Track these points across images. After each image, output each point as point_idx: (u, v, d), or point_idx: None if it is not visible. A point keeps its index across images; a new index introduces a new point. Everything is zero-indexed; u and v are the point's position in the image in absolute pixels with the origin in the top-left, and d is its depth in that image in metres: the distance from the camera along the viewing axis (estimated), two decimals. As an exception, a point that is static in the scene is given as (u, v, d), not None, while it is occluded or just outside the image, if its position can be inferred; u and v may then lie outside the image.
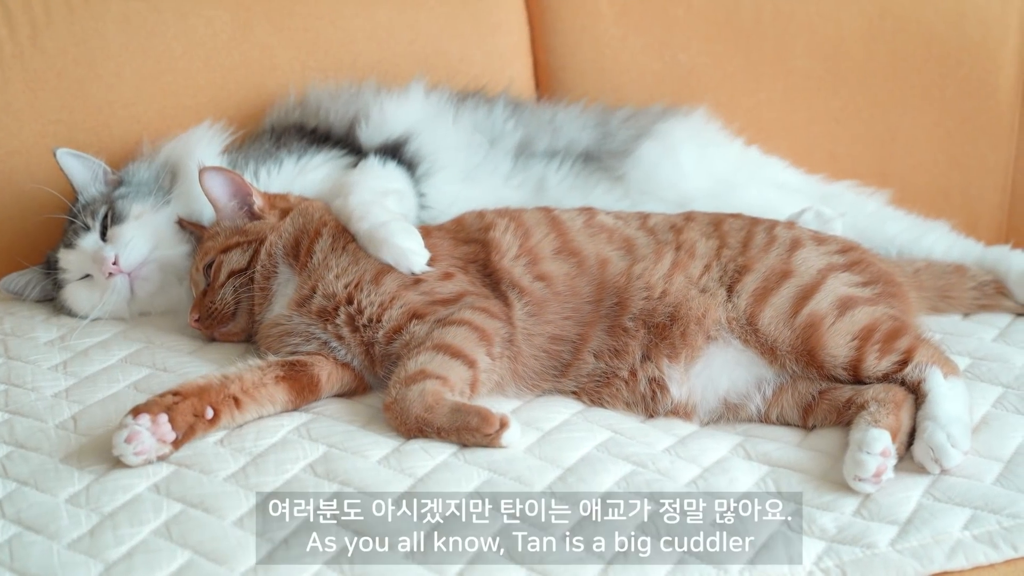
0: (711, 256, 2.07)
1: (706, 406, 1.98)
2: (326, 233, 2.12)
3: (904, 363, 1.94)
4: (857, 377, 1.95)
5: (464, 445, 1.83)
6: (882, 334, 1.96)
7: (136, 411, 1.79)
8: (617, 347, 2.00)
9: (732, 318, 1.99)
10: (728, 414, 1.99)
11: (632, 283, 2.03)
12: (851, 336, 1.96)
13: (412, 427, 1.85)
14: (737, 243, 2.09)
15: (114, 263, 2.22)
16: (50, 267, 2.33)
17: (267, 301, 2.11)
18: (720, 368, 1.98)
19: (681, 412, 1.98)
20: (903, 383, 1.93)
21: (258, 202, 2.19)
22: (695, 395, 1.98)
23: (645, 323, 2.00)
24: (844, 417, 1.92)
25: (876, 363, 1.94)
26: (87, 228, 2.27)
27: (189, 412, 1.82)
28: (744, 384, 1.98)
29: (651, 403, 1.98)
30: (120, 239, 2.24)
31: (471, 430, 1.83)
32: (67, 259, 2.28)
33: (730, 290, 2.02)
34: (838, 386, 1.96)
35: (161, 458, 1.78)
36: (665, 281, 2.02)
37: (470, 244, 2.12)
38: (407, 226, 2.08)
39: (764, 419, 1.98)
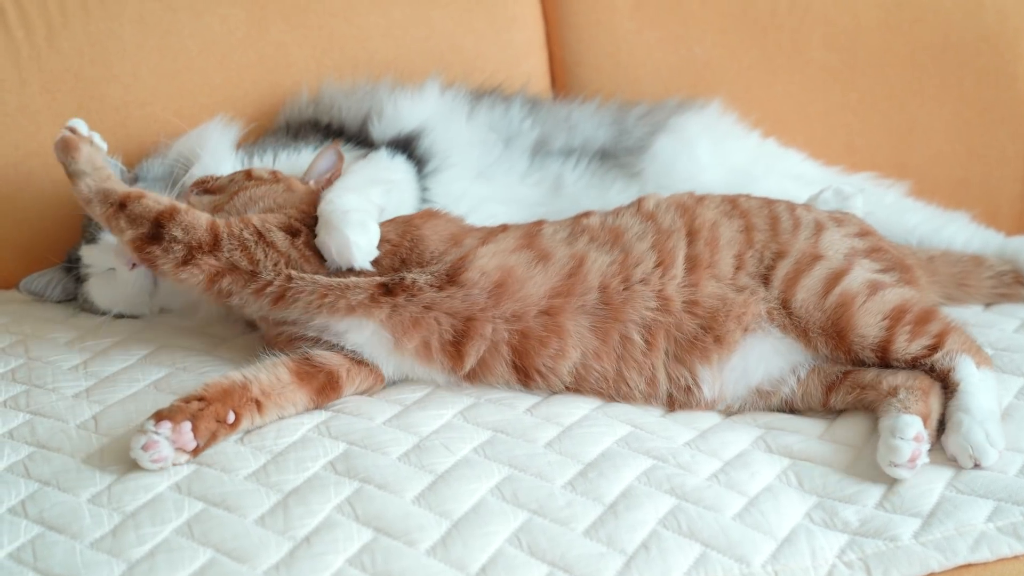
0: (742, 244, 2.04)
1: (735, 396, 1.97)
2: None
3: (934, 348, 1.92)
4: (885, 360, 1.94)
5: None
6: (913, 316, 1.94)
7: (159, 416, 1.77)
8: (620, 355, 1.97)
9: (772, 308, 1.98)
10: (759, 402, 1.98)
11: (633, 289, 1.99)
12: (882, 316, 1.94)
13: None
14: (765, 226, 2.07)
15: None
16: (71, 264, 2.33)
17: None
18: (757, 359, 1.96)
19: (707, 406, 1.97)
20: (932, 370, 1.92)
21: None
22: (726, 390, 1.97)
23: (667, 335, 1.97)
24: (865, 395, 1.91)
25: (906, 345, 1.93)
26: None
27: (212, 418, 1.81)
28: (779, 371, 1.97)
29: (679, 402, 1.97)
30: None
31: None
32: (90, 254, 2.29)
33: (766, 280, 2.00)
34: (862, 368, 1.95)
35: (178, 464, 1.78)
36: (690, 291, 1.99)
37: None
38: (369, 221, 2.03)
39: (791, 403, 1.97)
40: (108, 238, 2.28)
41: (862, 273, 2.00)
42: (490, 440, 1.83)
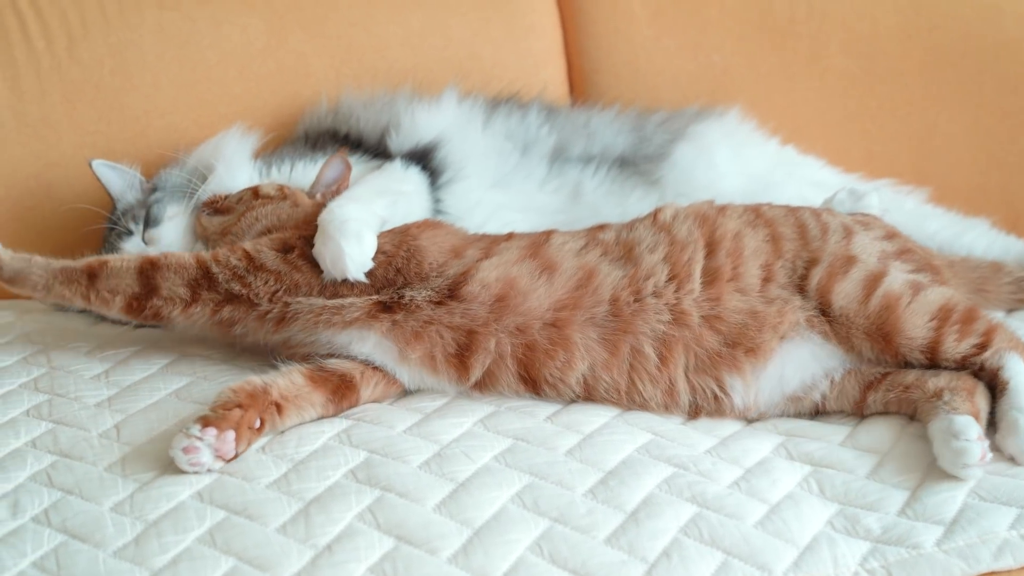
0: (769, 254, 2.02)
1: (769, 404, 1.96)
2: None
3: (983, 347, 1.92)
4: (934, 361, 1.93)
5: None
6: (959, 315, 1.94)
7: (206, 422, 1.78)
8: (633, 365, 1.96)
9: (812, 316, 1.96)
10: (790, 407, 1.97)
11: (644, 302, 1.97)
12: (929, 316, 1.93)
13: None
14: (793, 234, 2.05)
15: None
16: None
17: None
18: (794, 367, 1.95)
19: (738, 415, 1.96)
20: (981, 369, 1.91)
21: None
22: (760, 398, 1.95)
23: (685, 349, 1.95)
24: (909, 395, 1.91)
25: (955, 345, 1.92)
26: (130, 233, 2.29)
27: (247, 426, 1.82)
28: (812, 376, 1.96)
29: (706, 410, 1.96)
30: (159, 241, 2.26)
31: None
32: None
33: (801, 288, 1.98)
34: (902, 369, 1.94)
35: (211, 470, 1.78)
36: (710, 305, 1.97)
37: None
38: (365, 231, 2.02)
39: (822, 407, 1.96)
40: (129, 247, 2.28)
41: (900, 274, 1.99)
42: (511, 448, 1.83)
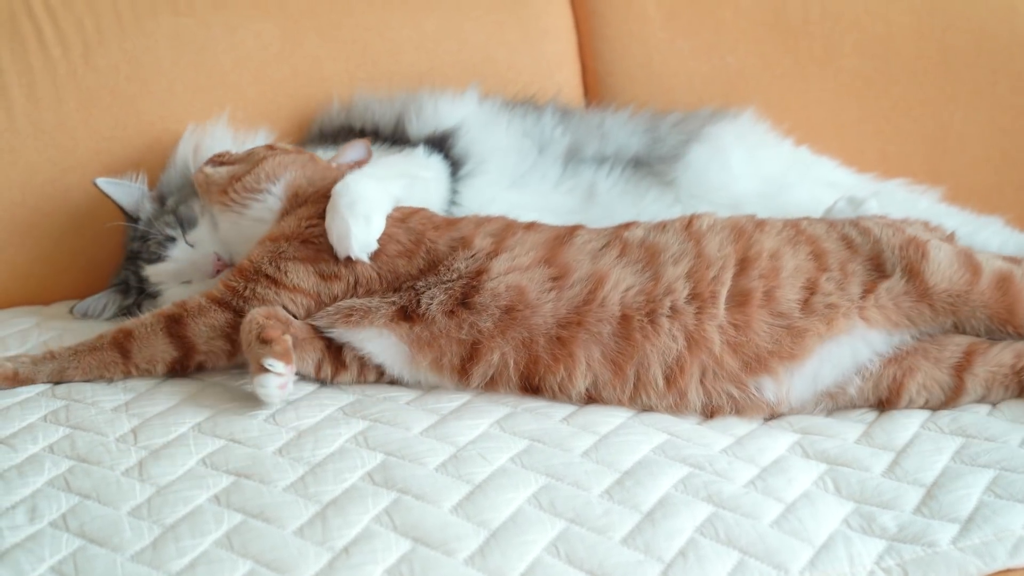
0: (813, 271, 1.97)
1: (801, 400, 1.95)
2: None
3: None
4: None
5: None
6: None
7: (284, 358, 1.87)
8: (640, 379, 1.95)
9: (874, 318, 1.94)
10: (830, 403, 1.96)
11: (658, 323, 1.94)
12: None
13: None
14: (838, 247, 2.01)
15: (218, 260, 2.24)
16: (127, 285, 2.33)
17: None
18: (832, 365, 1.94)
19: (771, 410, 1.95)
20: None
21: None
22: (793, 395, 1.94)
23: (702, 367, 1.93)
24: (1016, 378, 1.92)
25: None
26: (171, 239, 2.28)
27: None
28: (845, 372, 1.94)
29: (730, 410, 1.95)
30: (203, 240, 2.27)
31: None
32: (160, 272, 2.29)
33: (870, 284, 1.96)
34: (985, 348, 1.94)
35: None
36: (735, 331, 1.93)
37: None
38: (376, 213, 2.04)
39: (890, 396, 1.95)
40: (179, 253, 2.28)
41: (981, 253, 2.00)
42: (527, 449, 1.83)
